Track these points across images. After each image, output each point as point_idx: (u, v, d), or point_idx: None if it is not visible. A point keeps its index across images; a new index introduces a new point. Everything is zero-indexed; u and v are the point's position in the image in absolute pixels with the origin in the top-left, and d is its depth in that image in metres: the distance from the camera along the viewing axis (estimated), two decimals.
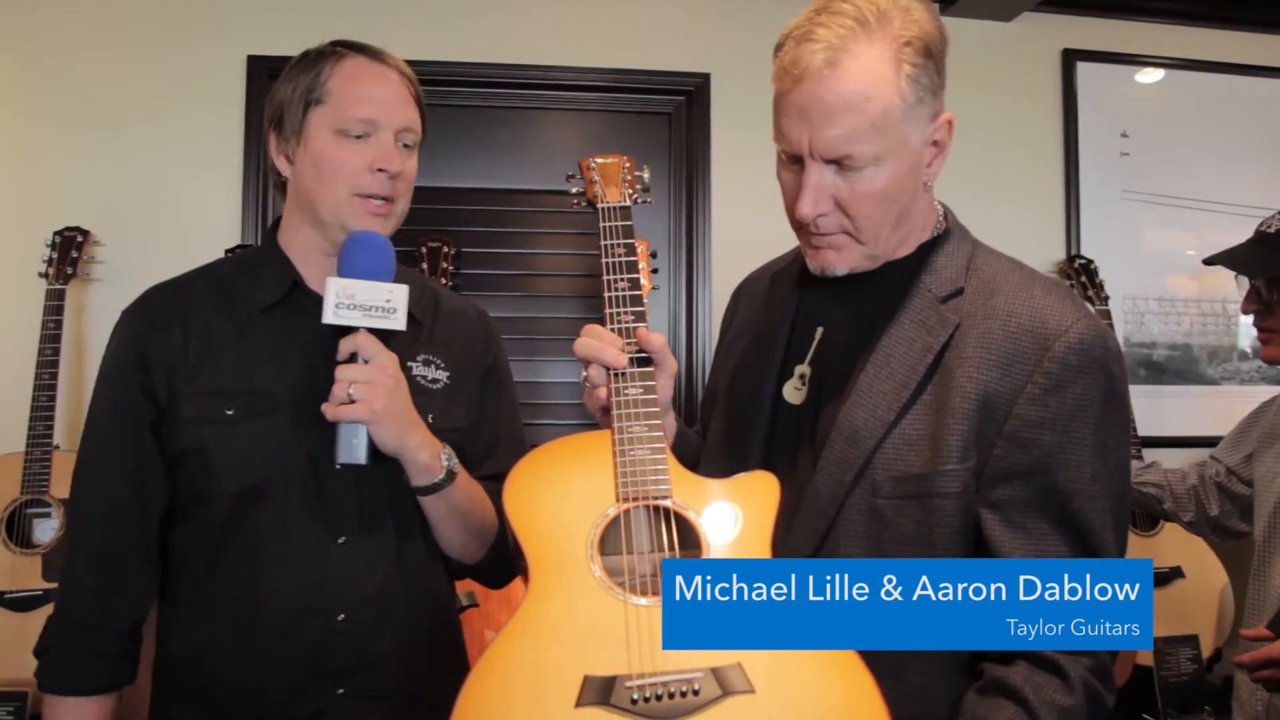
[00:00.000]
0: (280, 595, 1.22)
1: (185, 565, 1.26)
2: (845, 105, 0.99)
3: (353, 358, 1.18)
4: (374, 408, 1.16)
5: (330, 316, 1.16)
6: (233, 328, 1.28)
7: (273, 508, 1.23)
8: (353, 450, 1.17)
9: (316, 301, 1.26)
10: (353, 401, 1.16)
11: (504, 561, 1.39)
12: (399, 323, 1.20)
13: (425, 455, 1.23)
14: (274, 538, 1.23)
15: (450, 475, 1.26)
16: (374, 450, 1.19)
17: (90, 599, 1.24)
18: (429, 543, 1.32)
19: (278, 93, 1.30)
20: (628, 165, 1.32)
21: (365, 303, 1.18)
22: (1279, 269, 1.70)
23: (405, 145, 1.29)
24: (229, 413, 1.23)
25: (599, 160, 1.32)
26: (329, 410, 1.17)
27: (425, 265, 2.57)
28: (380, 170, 1.25)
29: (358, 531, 1.25)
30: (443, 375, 1.36)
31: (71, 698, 1.23)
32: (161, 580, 1.28)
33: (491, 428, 1.41)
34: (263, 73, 2.62)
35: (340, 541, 1.24)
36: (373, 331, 1.19)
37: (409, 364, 1.33)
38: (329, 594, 1.23)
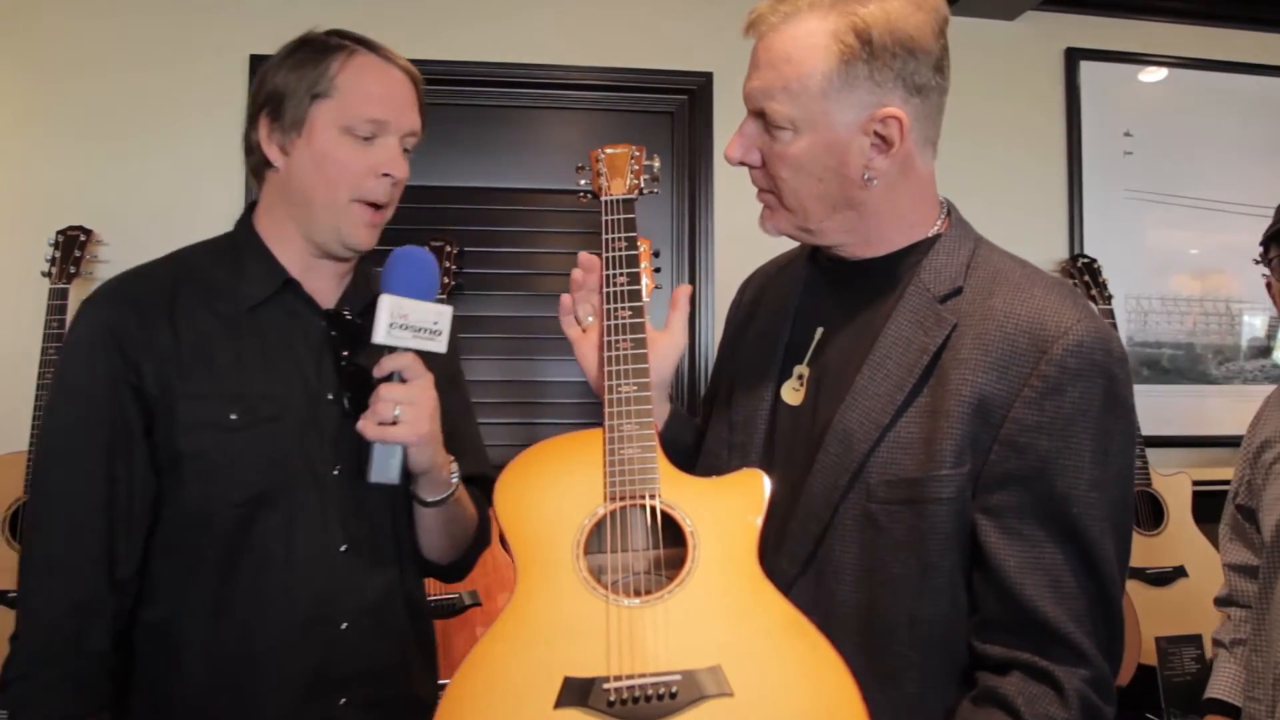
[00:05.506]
0: (287, 606, 1.18)
1: (187, 577, 1.19)
2: (769, 61, 1.04)
3: (389, 377, 1.14)
4: (420, 431, 1.13)
5: (383, 336, 1.12)
6: (220, 325, 1.22)
7: (278, 517, 1.19)
8: (388, 470, 1.13)
9: (308, 303, 1.25)
10: (395, 423, 1.12)
11: (470, 561, 1.39)
12: (442, 345, 1.16)
13: (446, 472, 1.23)
14: (280, 548, 1.19)
15: (457, 488, 1.25)
16: (404, 469, 1.16)
17: (63, 618, 1.14)
18: (415, 546, 1.31)
19: (274, 79, 1.23)
20: (636, 155, 1.29)
21: (416, 324, 1.14)
22: None
23: (406, 149, 1.26)
24: (233, 418, 1.18)
25: (608, 151, 1.29)
26: (369, 430, 1.12)
27: None
28: (385, 175, 1.22)
29: (360, 538, 1.23)
30: None
31: None
32: (159, 593, 1.20)
33: (453, 427, 1.33)
34: None
35: (343, 550, 1.22)
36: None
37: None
38: (334, 603, 1.20)
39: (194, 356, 1.19)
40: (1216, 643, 1.83)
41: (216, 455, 1.18)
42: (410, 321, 1.13)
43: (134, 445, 1.18)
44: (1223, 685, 1.78)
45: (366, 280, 1.32)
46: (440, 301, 1.18)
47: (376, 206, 1.23)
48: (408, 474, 1.18)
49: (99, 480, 1.16)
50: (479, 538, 1.38)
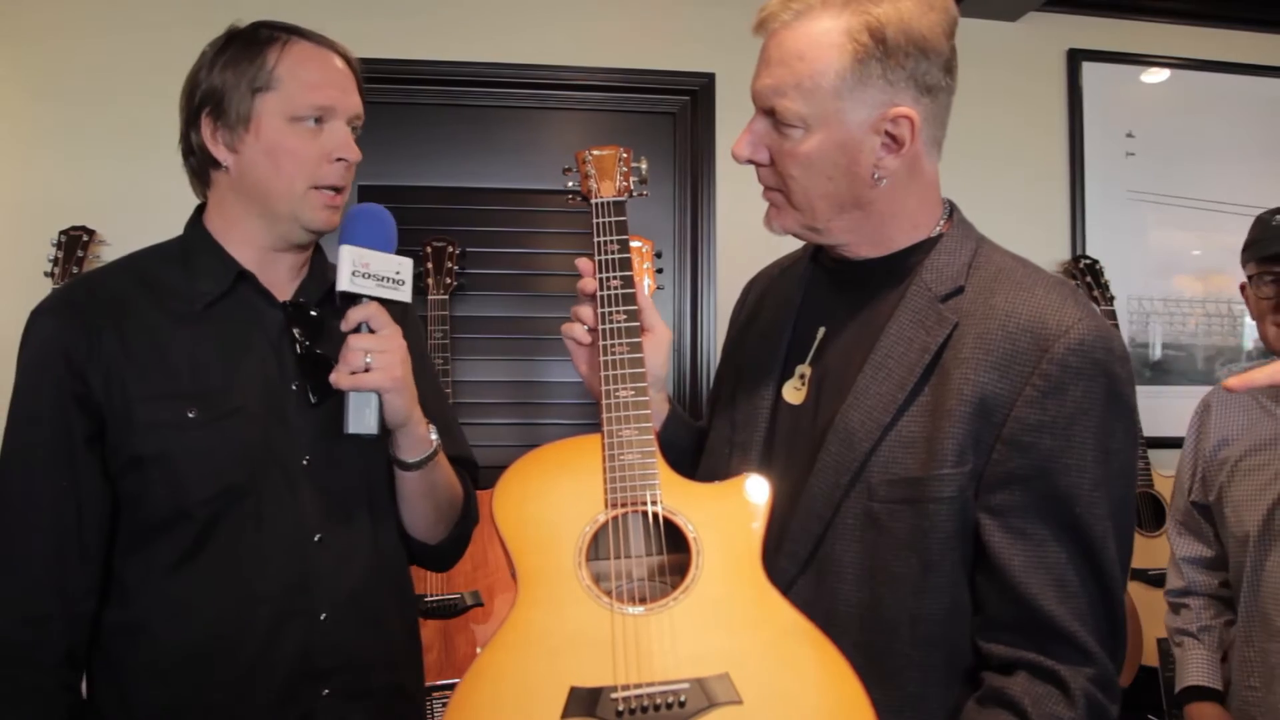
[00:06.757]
0: (261, 599, 1.18)
1: (157, 576, 1.18)
2: (780, 59, 1.04)
3: (357, 329, 1.16)
4: (393, 375, 1.14)
5: (346, 284, 1.14)
6: (172, 325, 1.21)
7: (245, 511, 1.18)
8: (365, 420, 1.14)
9: (265, 296, 1.25)
10: (367, 370, 1.13)
11: (460, 542, 1.38)
12: (406, 294, 1.19)
13: (424, 427, 1.23)
14: (249, 541, 1.18)
15: (438, 448, 1.25)
16: (381, 421, 1.16)
17: (14, 632, 1.14)
18: (398, 532, 1.31)
19: (208, 79, 1.22)
20: (624, 156, 1.28)
21: (378, 272, 1.16)
22: None
23: (354, 129, 1.25)
24: (191, 416, 1.17)
25: (595, 152, 1.28)
26: (343, 380, 1.13)
27: (431, 264, 2.57)
28: (339, 159, 1.21)
29: (333, 527, 1.22)
30: None
31: None
32: (128, 593, 1.19)
33: (424, 408, 1.30)
34: None
35: (316, 539, 1.21)
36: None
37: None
38: (311, 593, 1.20)
39: (146, 359, 1.18)
40: (1182, 632, 1.88)
41: (178, 454, 1.17)
42: (372, 270, 1.16)
43: (78, 456, 1.17)
44: (1200, 671, 1.82)
45: (323, 271, 1.31)
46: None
47: (335, 190, 1.23)
48: (386, 430, 1.18)
49: (41, 496, 1.16)
50: (466, 515, 1.37)
